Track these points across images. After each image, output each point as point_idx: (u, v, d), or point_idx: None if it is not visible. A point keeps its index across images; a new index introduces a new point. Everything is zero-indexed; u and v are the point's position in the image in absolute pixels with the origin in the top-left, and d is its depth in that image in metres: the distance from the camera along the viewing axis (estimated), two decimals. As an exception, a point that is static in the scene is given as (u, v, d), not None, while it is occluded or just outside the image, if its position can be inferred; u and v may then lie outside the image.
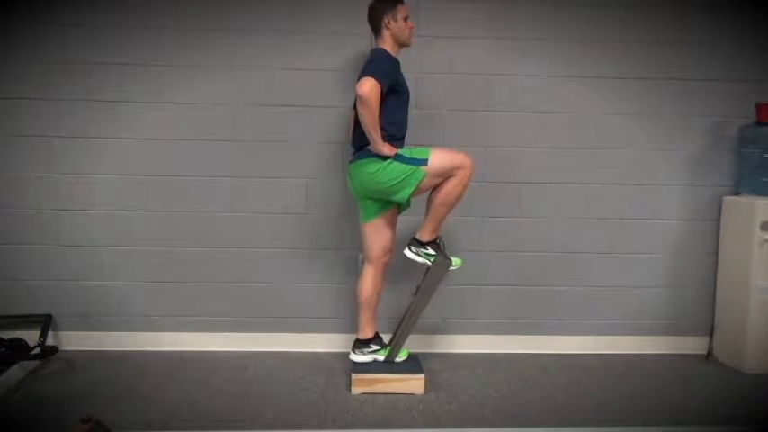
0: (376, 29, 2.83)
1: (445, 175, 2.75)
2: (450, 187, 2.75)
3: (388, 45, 2.80)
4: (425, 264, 2.90)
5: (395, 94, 2.75)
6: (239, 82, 3.25)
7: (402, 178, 2.73)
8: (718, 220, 3.41)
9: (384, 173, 2.73)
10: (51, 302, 3.29)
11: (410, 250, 2.89)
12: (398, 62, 2.82)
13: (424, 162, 2.73)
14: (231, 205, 3.31)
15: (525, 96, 3.32)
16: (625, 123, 3.36)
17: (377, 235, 2.92)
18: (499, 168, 3.34)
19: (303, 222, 3.34)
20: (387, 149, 2.71)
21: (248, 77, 3.25)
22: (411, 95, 2.89)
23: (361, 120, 2.67)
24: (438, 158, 2.74)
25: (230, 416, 2.61)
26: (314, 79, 3.25)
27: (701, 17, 3.32)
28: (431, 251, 2.88)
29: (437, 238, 2.91)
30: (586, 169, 3.37)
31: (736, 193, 3.39)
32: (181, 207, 3.29)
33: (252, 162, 3.29)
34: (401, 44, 2.84)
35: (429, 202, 2.85)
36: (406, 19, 2.80)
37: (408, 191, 2.75)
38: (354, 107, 2.77)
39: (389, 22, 2.78)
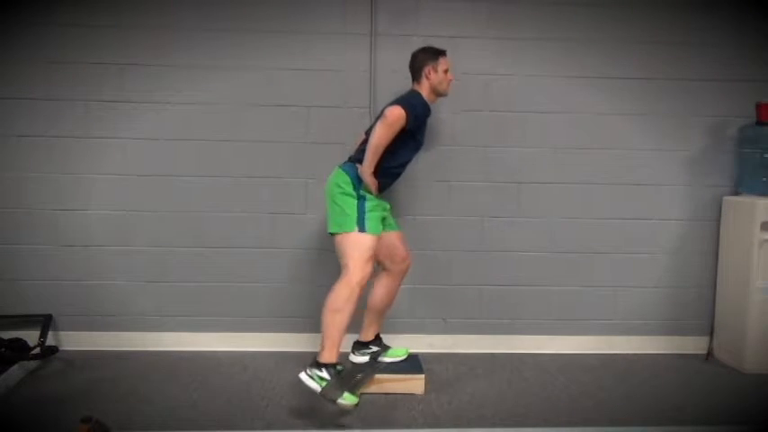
0: (416, 75, 2.82)
1: (342, 257, 2.63)
2: (337, 290, 2.59)
3: (424, 92, 2.80)
4: (315, 390, 2.50)
5: (411, 138, 2.73)
6: (239, 82, 3.24)
7: (343, 212, 2.65)
8: (719, 220, 3.41)
9: (342, 193, 2.68)
10: (51, 302, 3.29)
11: (305, 371, 2.54)
12: (430, 111, 2.79)
13: (362, 229, 2.62)
14: (231, 205, 3.31)
15: (525, 96, 3.32)
16: (625, 123, 3.36)
17: (399, 241, 2.90)
18: (499, 168, 3.34)
19: (303, 222, 3.34)
20: (369, 179, 2.65)
21: (248, 77, 3.24)
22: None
23: (371, 138, 2.62)
24: (355, 242, 2.61)
25: (230, 416, 2.61)
26: (314, 79, 3.25)
27: (701, 17, 3.32)
28: (325, 375, 2.52)
29: (337, 363, 2.57)
30: (586, 169, 3.37)
31: (737, 193, 3.38)
32: (181, 207, 3.29)
33: (251, 162, 3.29)
34: (438, 94, 2.85)
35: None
36: (446, 71, 2.81)
37: (334, 226, 2.68)
38: (367, 132, 2.76)
39: (430, 73, 2.78)
